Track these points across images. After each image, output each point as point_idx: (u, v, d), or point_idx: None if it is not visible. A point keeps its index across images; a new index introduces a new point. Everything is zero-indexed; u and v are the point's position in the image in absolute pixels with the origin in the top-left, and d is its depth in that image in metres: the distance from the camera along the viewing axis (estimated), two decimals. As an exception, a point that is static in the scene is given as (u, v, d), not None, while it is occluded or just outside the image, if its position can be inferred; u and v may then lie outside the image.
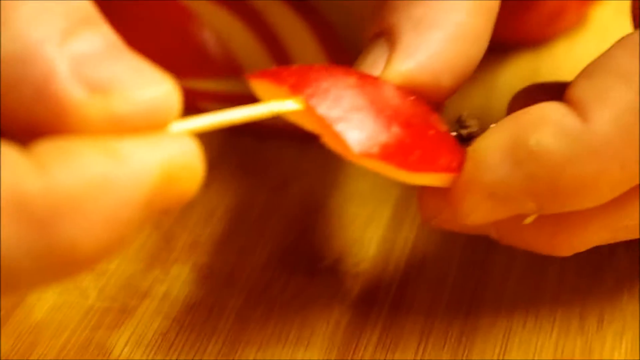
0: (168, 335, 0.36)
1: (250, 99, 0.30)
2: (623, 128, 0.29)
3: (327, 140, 0.29)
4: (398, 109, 0.30)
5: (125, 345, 0.35)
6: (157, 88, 0.24)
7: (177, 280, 0.38)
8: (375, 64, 0.32)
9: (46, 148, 0.23)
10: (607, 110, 0.29)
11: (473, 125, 0.32)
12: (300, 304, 0.37)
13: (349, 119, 0.29)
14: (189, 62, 0.45)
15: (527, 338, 0.36)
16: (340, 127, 0.28)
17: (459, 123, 0.33)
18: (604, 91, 0.30)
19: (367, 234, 0.40)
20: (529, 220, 0.32)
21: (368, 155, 0.29)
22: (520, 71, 0.48)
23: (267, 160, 0.43)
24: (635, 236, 0.33)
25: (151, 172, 0.23)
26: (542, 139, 0.30)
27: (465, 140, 0.32)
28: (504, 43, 0.49)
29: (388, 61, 0.32)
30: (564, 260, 0.38)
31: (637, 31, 0.31)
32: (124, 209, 0.23)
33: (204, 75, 0.44)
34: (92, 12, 0.24)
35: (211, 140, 0.38)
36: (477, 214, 0.31)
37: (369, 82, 0.31)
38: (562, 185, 0.30)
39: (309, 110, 0.29)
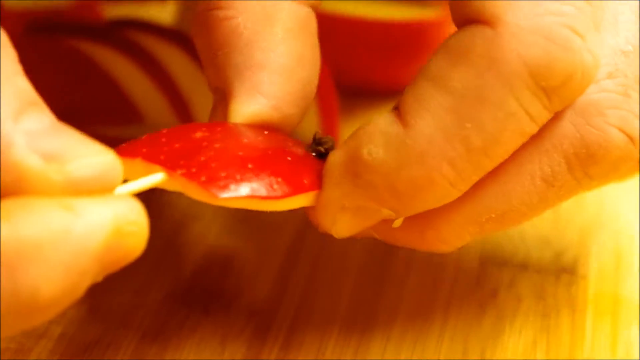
0: (64, 375, 0.36)
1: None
2: (442, 128, 0.30)
3: (192, 193, 0.30)
4: (252, 146, 0.31)
5: (21, 385, 0.36)
6: (105, 156, 0.27)
7: (73, 320, 0.38)
8: (220, 118, 0.34)
9: (12, 203, 0.26)
10: (424, 114, 0.30)
11: (328, 142, 0.33)
12: (195, 341, 0.37)
13: (207, 170, 0.30)
14: (93, 110, 0.46)
15: (413, 373, 0.37)
16: (201, 180, 0.30)
17: (315, 142, 0.34)
18: (421, 96, 0.31)
19: (261, 273, 0.41)
20: (397, 223, 0.33)
21: (234, 197, 0.30)
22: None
23: (163, 203, 0.44)
24: (503, 228, 0.34)
25: (104, 225, 0.26)
26: (372, 149, 0.31)
27: (326, 157, 0.33)
28: (391, 89, 0.51)
29: (227, 113, 0.33)
30: (450, 297, 0.40)
31: (450, 36, 0.31)
32: (81, 258, 0.26)
33: (108, 122, 0.45)
34: (35, 95, 0.27)
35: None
36: (338, 226, 0.33)
37: (219, 130, 0.32)
38: (401, 190, 0.31)
39: (169, 175, 0.30)
